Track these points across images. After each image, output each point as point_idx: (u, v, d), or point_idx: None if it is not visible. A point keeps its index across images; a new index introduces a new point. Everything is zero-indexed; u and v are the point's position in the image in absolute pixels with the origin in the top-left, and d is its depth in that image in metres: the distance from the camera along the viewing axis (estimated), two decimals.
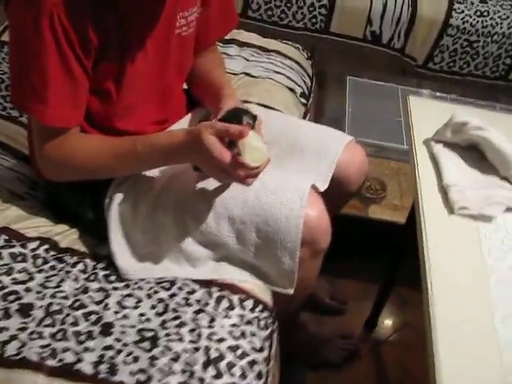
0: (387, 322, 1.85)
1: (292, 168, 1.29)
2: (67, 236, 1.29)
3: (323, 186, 1.26)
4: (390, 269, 1.70)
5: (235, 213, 1.15)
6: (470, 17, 2.20)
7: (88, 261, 1.23)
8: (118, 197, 1.21)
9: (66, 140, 1.10)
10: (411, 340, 1.79)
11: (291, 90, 1.79)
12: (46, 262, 1.20)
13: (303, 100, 1.81)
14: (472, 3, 2.23)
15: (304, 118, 1.79)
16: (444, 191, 1.12)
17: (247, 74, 1.79)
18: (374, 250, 1.94)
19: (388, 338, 1.81)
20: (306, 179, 1.20)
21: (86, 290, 1.17)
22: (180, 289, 1.18)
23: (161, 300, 1.16)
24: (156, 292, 1.18)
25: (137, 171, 1.20)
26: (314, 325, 1.71)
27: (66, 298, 1.15)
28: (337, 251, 1.28)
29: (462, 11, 2.21)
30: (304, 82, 1.87)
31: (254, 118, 1.08)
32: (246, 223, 1.14)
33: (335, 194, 1.31)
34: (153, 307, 1.15)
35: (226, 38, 1.92)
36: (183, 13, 1.19)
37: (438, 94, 2.16)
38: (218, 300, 1.17)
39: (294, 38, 2.08)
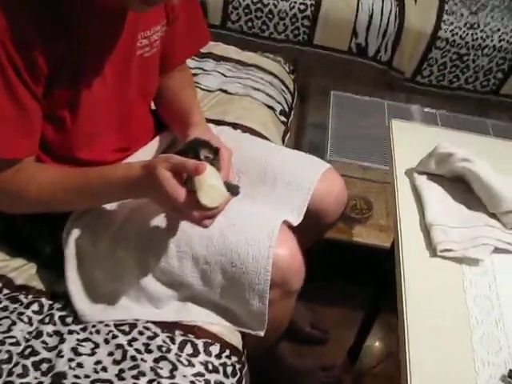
0: (371, 352, 1.76)
1: (263, 199, 1.20)
2: (24, 271, 1.20)
3: (297, 220, 1.17)
4: (374, 294, 1.62)
5: (199, 252, 1.06)
6: (460, 29, 2.12)
7: (44, 300, 1.14)
8: (76, 231, 1.12)
9: (19, 171, 1.01)
10: (397, 371, 1.70)
11: (270, 107, 1.70)
12: None
13: (283, 118, 1.72)
14: (462, 15, 2.15)
15: (284, 136, 1.70)
16: (427, 229, 1.03)
17: (224, 91, 1.70)
18: (358, 273, 1.85)
19: (372, 368, 1.72)
20: (276, 214, 1.12)
21: (39, 335, 1.08)
22: (140, 333, 1.09)
23: (119, 346, 1.06)
24: (115, 336, 1.08)
25: (95, 205, 1.11)
26: (293, 356, 1.62)
27: (16, 343, 1.05)
28: (317, 275, 1.19)
29: (452, 23, 2.12)
30: (284, 98, 1.78)
31: (215, 151, 0.99)
32: (211, 263, 1.05)
33: (310, 227, 1.22)
34: (110, 354, 1.05)
35: (202, 51, 1.83)
36: (145, 32, 1.09)
37: (427, 109, 2.08)
38: (181, 345, 1.08)
39: (275, 51, 1.99)
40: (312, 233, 1.29)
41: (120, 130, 1.16)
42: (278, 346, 1.46)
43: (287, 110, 1.77)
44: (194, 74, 1.75)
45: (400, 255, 0.99)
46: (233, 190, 0.99)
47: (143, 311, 1.12)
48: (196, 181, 0.91)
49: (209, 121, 1.47)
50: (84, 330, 1.09)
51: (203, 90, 1.70)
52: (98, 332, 1.09)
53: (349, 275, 1.86)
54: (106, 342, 1.07)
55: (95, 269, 1.12)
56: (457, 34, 2.11)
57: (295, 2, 2.06)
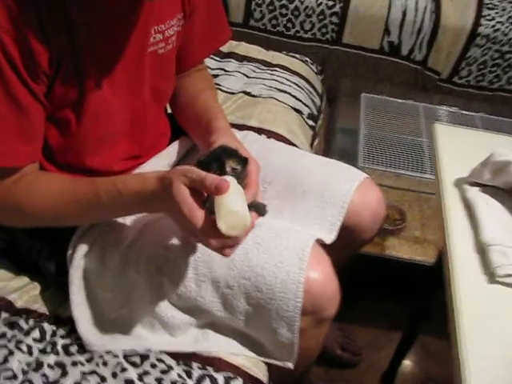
0: (407, 377, 1.61)
1: (291, 214, 1.07)
2: (26, 292, 1.09)
3: (330, 238, 1.03)
4: (413, 316, 1.47)
5: (220, 274, 0.93)
6: (502, 24, 1.96)
7: (46, 325, 1.03)
8: (83, 248, 1.00)
9: (19, 181, 0.90)
10: None
11: (297, 110, 1.57)
12: None
13: (311, 122, 1.59)
14: (504, 9, 1.99)
15: (312, 142, 1.57)
16: (481, 249, 0.88)
17: (247, 93, 1.58)
18: (392, 290, 1.71)
19: None
20: (307, 230, 0.99)
21: (39, 366, 0.96)
22: (153, 366, 0.96)
23: (129, 381, 0.94)
24: (124, 370, 0.96)
25: (103, 220, 0.99)
26: (321, 381, 1.48)
27: (13, 377, 0.94)
28: (348, 293, 1.05)
29: (493, 18, 1.97)
30: (312, 101, 1.65)
31: (243, 162, 0.86)
32: (233, 288, 0.92)
33: (344, 244, 1.09)
34: None
35: (224, 51, 1.71)
36: (159, 26, 0.97)
37: (465, 112, 1.93)
38: (199, 381, 0.95)
39: (302, 51, 1.86)
40: (346, 251, 1.16)
41: (131, 135, 1.04)
42: (307, 376, 1.33)
43: (315, 113, 1.64)
44: (215, 75, 1.63)
45: (451, 279, 0.85)
46: (259, 209, 0.86)
47: (157, 340, 0.99)
48: (216, 202, 0.78)
49: (231, 125, 1.35)
50: (89, 361, 0.97)
51: (225, 92, 1.58)
52: (105, 364, 0.97)
53: (382, 292, 1.72)
54: (114, 375, 0.95)
55: (103, 290, 1.00)
56: (499, 29, 1.96)
57: None
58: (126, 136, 1.03)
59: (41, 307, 1.07)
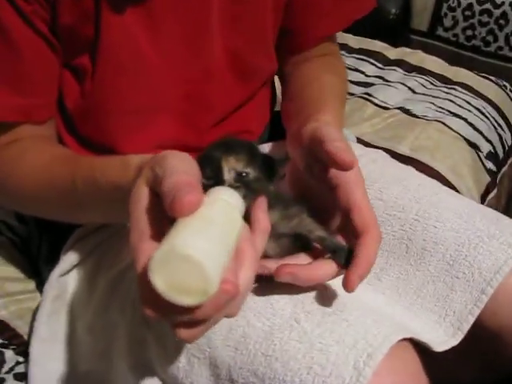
0: None
1: (394, 285, 0.63)
2: (17, 302, 0.82)
3: (445, 341, 0.57)
4: None
5: (221, 356, 0.53)
6: None
7: (9, 354, 0.73)
8: (71, 258, 0.69)
9: (11, 146, 0.65)
10: None
11: (472, 144, 1.11)
12: None
13: (490, 165, 1.13)
14: None
15: (486, 193, 1.10)
16: None
17: (405, 111, 1.17)
18: None
19: None
20: (405, 320, 0.56)
21: None
22: None
23: None
24: None
25: (88, 220, 0.67)
26: None
27: None
28: None
29: None
30: (500, 136, 1.18)
31: (264, 165, 0.51)
32: (237, 381, 0.52)
33: (480, 355, 0.63)
34: None
35: (390, 57, 1.33)
36: None
37: None
38: None
39: (503, 73, 1.37)
40: (483, 364, 0.67)
41: (184, 115, 0.71)
42: None
43: (501, 154, 1.16)
44: (370, 84, 1.25)
45: None
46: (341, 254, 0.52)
47: None
48: (171, 229, 0.40)
49: (369, 146, 0.96)
50: None
51: (376, 105, 1.19)
52: None
53: None
54: None
55: (83, 329, 0.67)
56: None
57: None
58: (176, 114, 0.70)
59: (23, 326, 0.77)
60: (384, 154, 0.83)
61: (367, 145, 1.01)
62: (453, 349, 0.57)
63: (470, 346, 0.60)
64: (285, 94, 0.82)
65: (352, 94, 1.22)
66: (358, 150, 0.78)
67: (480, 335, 0.61)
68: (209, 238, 0.39)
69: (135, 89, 0.67)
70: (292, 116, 0.77)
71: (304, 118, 0.70)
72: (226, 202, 0.44)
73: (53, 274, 0.68)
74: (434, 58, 1.32)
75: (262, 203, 0.48)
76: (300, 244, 0.52)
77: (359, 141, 1.04)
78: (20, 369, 0.71)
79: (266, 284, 0.52)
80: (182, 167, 0.44)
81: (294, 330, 0.50)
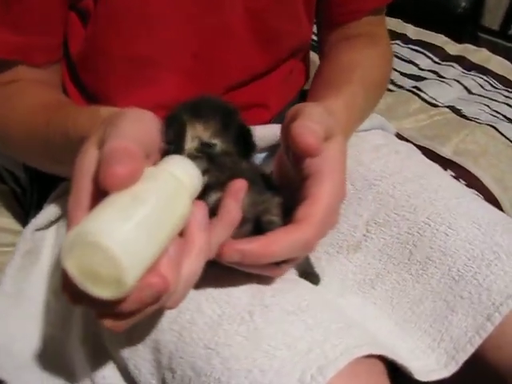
0: None
1: (387, 297, 0.55)
2: (3, 253, 0.76)
3: (440, 372, 0.49)
4: None
5: (164, 340, 0.47)
6: None
7: None
8: (50, 212, 0.64)
9: (8, 86, 0.61)
10: None
11: None
12: None
13: None
14: None
15: None
16: None
17: (455, 111, 1.06)
18: None
19: None
20: (389, 338, 0.49)
21: None
22: None
23: None
24: None
25: (65, 174, 0.62)
26: None
27: None
28: None
29: None
30: None
31: (235, 134, 0.44)
32: (176, 375, 0.45)
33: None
34: None
35: (450, 52, 1.22)
36: None
37: None
38: None
39: None
40: None
41: (192, 77, 0.64)
42: None
43: None
44: (422, 78, 1.15)
45: None
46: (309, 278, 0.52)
47: None
48: (96, 207, 0.34)
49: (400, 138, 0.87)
50: None
51: (424, 101, 1.08)
52: None
53: None
54: None
55: (50, 290, 0.63)
56: None
57: None
58: (181, 73, 0.64)
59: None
60: (412, 147, 0.73)
61: (404, 140, 0.92)
62: (442, 382, 0.49)
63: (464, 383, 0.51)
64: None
65: (400, 87, 1.12)
66: (382, 139, 0.70)
67: (479, 371, 0.52)
68: (132, 222, 0.32)
69: (137, 35, 0.61)
70: (307, 97, 0.70)
71: (312, 99, 0.64)
72: (172, 176, 0.37)
73: (28, 227, 0.63)
74: (501, 58, 1.20)
75: (238, 193, 0.41)
76: (261, 231, 0.45)
77: (397, 136, 0.95)
78: None
79: (228, 269, 0.45)
80: (130, 130, 0.37)
81: (244, 323, 0.43)
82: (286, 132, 0.45)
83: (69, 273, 0.32)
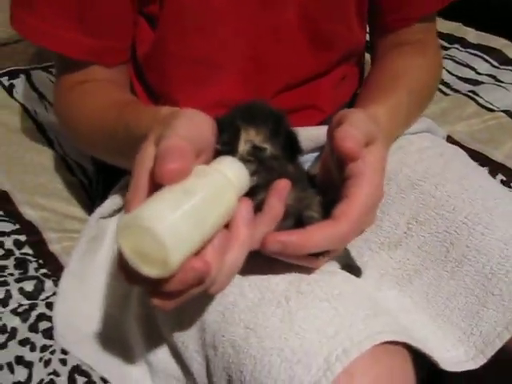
0: None
1: (423, 291, 0.58)
2: (71, 239, 0.84)
3: (467, 364, 0.52)
4: None
5: (210, 320, 0.52)
6: None
7: (50, 284, 0.76)
8: (114, 202, 0.70)
9: (82, 86, 0.68)
10: None
11: None
12: None
13: None
14: None
15: None
16: None
17: (511, 115, 1.05)
18: None
19: None
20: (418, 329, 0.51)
21: None
22: None
23: None
24: None
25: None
26: None
27: None
28: None
29: None
30: None
31: (287, 141, 0.47)
32: (218, 353, 0.50)
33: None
34: None
35: (511, 56, 1.20)
36: None
37: None
38: None
39: None
40: None
41: (247, 75, 0.69)
42: None
43: None
44: (479, 82, 1.15)
45: None
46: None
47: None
48: (151, 197, 0.39)
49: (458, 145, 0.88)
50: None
51: (480, 105, 1.09)
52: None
53: None
54: None
55: (111, 273, 0.68)
56: None
57: None
58: (238, 73, 0.69)
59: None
60: (458, 149, 0.74)
61: (456, 145, 0.92)
62: (468, 375, 0.51)
63: (490, 379, 0.53)
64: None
65: (456, 91, 1.13)
66: (428, 142, 0.72)
67: (506, 369, 0.53)
68: (180, 212, 0.37)
69: (197, 36, 0.66)
70: (356, 101, 0.73)
71: (360, 104, 0.67)
72: (222, 175, 0.41)
73: (93, 215, 0.70)
74: None
75: (281, 191, 0.45)
76: (302, 225, 0.48)
77: (449, 139, 0.96)
78: (54, 299, 0.74)
79: (270, 259, 0.49)
80: (183, 129, 0.42)
81: (281, 307, 0.47)
82: (331, 136, 0.49)
83: (122, 250, 0.36)
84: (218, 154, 0.44)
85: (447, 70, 1.18)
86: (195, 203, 0.38)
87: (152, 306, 0.59)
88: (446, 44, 1.26)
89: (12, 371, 0.64)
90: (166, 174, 0.38)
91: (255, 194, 0.45)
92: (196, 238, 0.37)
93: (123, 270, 0.39)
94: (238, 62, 0.68)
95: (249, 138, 0.46)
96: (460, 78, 1.15)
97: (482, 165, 0.92)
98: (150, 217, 0.36)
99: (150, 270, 0.36)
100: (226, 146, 0.45)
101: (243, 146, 0.45)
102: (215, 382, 0.50)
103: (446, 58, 1.20)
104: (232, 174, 0.41)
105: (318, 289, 0.48)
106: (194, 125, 0.43)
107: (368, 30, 0.79)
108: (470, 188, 0.62)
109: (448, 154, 0.70)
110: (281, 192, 0.44)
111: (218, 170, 0.41)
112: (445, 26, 1.28)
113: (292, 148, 0.48)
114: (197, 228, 0.37)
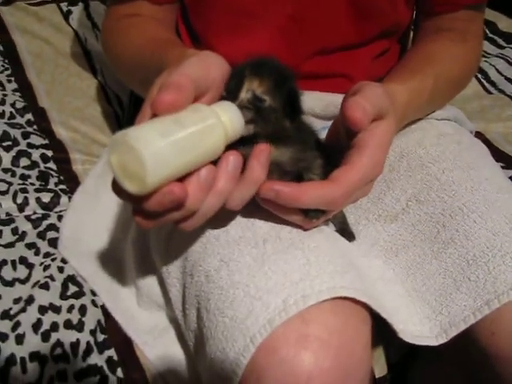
0: None
1: (406, 267, 0.60)
2: (94, 163, 0.87)
3: (427, 339, 0.53)
4: None
5: (191, 249, 0.55)
6: None
7: (66, 200, 0.81)
8: None
9: (130, 18, 0.71)
10: None
11: None
12: None
13: None
14: None
15: None
16: None
17: None
18: None
19: None
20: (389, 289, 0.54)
21: None
22: None
23: None
24: None
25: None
26: None
27: None
28: None
29: None
30: None
31: (289, 96, 0.48)
32: (193, 280, 0.53)
33: (470, 371, 0.56)
34: None
35: None
36: None
37: None
38: None
39: None
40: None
41: (284, 32, 0.70)
42: None
43: None
44: None
45: None
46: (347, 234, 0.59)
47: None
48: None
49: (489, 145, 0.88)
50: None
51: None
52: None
53: None
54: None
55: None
56: None
57: None
58: (275, 29, 0.70)
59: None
60: (479, 142, 0.74)
61: (487, 143, 0.91)
62: (440, 358, 0.52)
63: (459, 363, 0.54)
64: None
65: (501, 91, 1.11)
66: (450, 129, 0.72)
67: (472, 353, 0.55)
68: (166, 138, 0.39)
69: None
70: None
71: (386, 78, 0.67)
72: (215, 114, 0.43)
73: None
74: None
75: (261, 153, 0.45)
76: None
77: (481, 137, 0.95)
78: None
79: (262, 209, 0.51)
80: (189, 67, 0.44)
81: (257, 247, 0.50)
82: (343, 104, 0.51)
83: (110, 164, 0.39)
84: (222, 100, 0.47)
85: (497, 69, 1.15)
86: (182, 133, 0.40)
87: (147, 232, 0.63)
88: (502, 42, 1.23)
89: (15, 268, 0.69)
90: (159, 105, 0.40)
91: (249, 143, 0.46)
92: (176, 166, 0.40)
93: (114, 183, 0.42)
94: (278, 18, 0.69)
95: (251, 87, 0.47)
96: (508, 80, 1.12)
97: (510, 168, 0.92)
98: (135, 136, 0.38)
99: (129, 186, 0.39)
100: (230, 93, 0.47)
101: (244, 94, 0.47)
102: (187, 308, 0.54)
103: (498, 57, 1.18)
104: (226, 117, 0.43)
105: (298, 238, 0.50)
106: (203, 65, 0.46)
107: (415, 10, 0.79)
108: (475, 178, 0.62)
109: (466, 143, 0.70)
110: (259, 155, 0.45)
111: (212, 110, 0.43)
112: (506, 23, 1.25)
113: (293, 106, 0.49)
114: (179, 157, 0.40)
